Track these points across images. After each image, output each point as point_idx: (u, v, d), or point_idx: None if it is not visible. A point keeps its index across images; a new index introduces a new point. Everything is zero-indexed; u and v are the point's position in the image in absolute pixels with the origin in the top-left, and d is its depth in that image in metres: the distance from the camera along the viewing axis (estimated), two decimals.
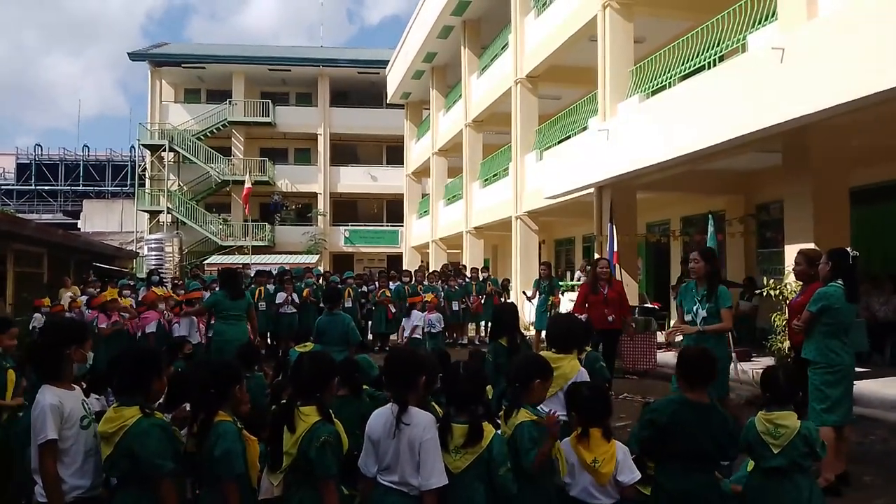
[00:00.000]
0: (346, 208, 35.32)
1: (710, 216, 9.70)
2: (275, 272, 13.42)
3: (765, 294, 8.91)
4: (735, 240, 13.22)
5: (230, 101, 32.47)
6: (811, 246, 8.36)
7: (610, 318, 8.07)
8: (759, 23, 9.06)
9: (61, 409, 3.05)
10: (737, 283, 12.24)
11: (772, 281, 8.74)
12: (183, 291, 10.94)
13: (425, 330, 11.12)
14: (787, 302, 7.04)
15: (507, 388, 3.50)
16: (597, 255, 13.26)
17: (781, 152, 9.32)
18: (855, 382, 5.17)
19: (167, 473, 2.99)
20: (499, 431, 3.26)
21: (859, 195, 9.85)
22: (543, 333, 9.31)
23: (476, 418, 3.14)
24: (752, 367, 8.64)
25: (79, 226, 38.21)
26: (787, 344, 8.07)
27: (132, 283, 13.44)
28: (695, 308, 5.66)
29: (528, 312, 13.57)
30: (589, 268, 12.69)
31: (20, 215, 28.89)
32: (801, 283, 5.91)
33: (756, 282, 11.61)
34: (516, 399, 3.41)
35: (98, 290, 11.77)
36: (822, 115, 7.14)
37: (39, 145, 46.92)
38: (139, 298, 10.77)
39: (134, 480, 3.00)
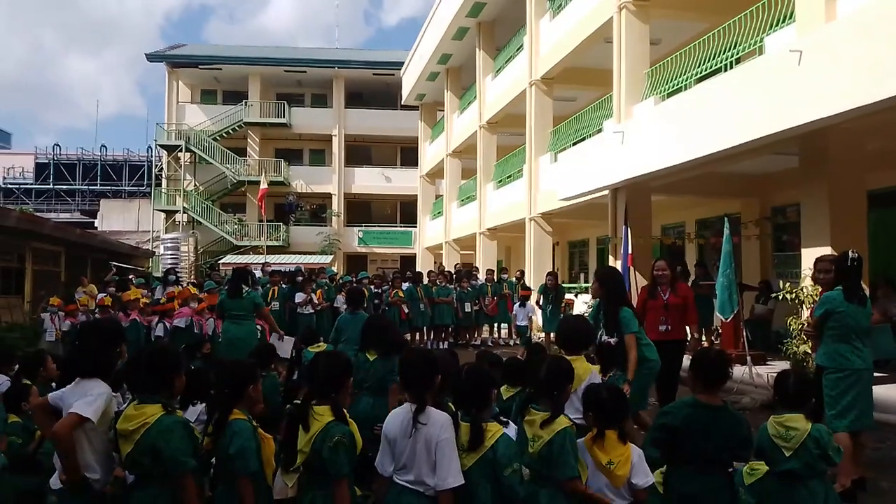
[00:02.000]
0: (360, 209, 35.42)
1: (725, 219, 9.64)
2: (293, 271, 13.49)
3: (780, 298, 8.85)
4: (751, 243, 13.13)
5: (246, 102, 32.67)
6: (828, 249, 8.31)
7: (662, 328, 6.81)
8: (777, 25, 9.01)
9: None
10: (752, 286, 12.16)
11: (787, 284, 8.68)
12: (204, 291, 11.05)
13: None
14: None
15: (537, 393, 3.45)
16: (611, 258, 13.25)
17: (798, 155, 9.25)
18: (875, 388, 5.13)
19: (190, 470, 3.03)
20: (507, 431, 3.24)
21: (877, 198, 9.78)
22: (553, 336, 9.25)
23: (477, 419, 3.15)
24: (768, 371, 8.59)
25: (96, 225, 38.56)
26: (803, 348, 8.04)
27: (143, 281, 13.56)
28: None
29: (537, 316, 13.53)
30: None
31: (38, 214, 29.21)
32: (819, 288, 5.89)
33: (772, 285, 11.52)
34: (558, 406, 3.34)
35: (115, 290, 11.90)
36: (839, 117, 7.10)
37: (58, 145, 47.46)
38: (155, 297, 10.89)
39: (153, 478, 3.03)
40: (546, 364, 3.52)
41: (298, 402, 3.50)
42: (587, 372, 4.01)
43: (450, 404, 3.59)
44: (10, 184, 45.66)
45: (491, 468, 3.08)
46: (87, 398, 3.05)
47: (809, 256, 6.48)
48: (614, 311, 5.29)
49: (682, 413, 3.41)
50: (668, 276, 6.95)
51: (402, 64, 29.88)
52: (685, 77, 10.93)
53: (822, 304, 5.03)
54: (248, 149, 32.98)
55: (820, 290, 5.86)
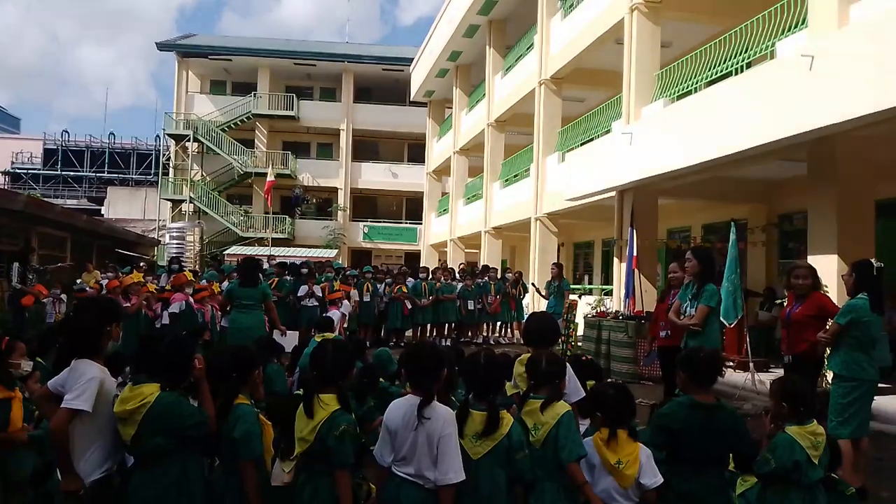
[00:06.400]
0: (366, 204, 35.44)
1: (732, 224, 9.62)
2: (298, 264, 13.48)
3: (785, 305, 8.81)
4: (756, 249, 13.08)
5: (255, 94, 32.70)
6: (834, 258, 8.29)
7: (662, 334, 6.74)
8: (789, 30, 8.97)
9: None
10: (757, 292, 12.13)
11: None
12: (204, 281, 11.09)
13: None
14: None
15: (538, 384, 3.48)
16: (616, 261, 13.23)
17: (807, 162, 9.21)
18: (875, 397, 5.12)
19: (210, 429, 3.09)
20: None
21: (885, 208, 9.72)
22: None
23: (494, 407, 3.15)
24: (770, 378, 8.56)
25: (102, 212, 38.70)
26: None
27: (144, 267, 13.59)
28: (684, 306, 6.00)
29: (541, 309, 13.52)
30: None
31: (46, 199, 29.30)
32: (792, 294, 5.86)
33: (776, 292, 11.48)
34: (555, 392, 3.43)
35: (113, 275, 11.95)
36: (850, 124, 7.07)
37: (66, 131, 47.69)
38: (161, 285, 10.93)
39: (159, 456, 3.04)
40: (546, 357, 3.57)
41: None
42: None
43: (451, 398, 3.60)
44: (19, 169, 45.87)
45: (505, 455, 3.10)
46: (77, 387, 3.00)
47: (816, 264, 6.45)
48: (701, 283, 5.79)
49: (680, 413, 3.41)
50: (681, 278, 6.84)
51: (411, 60, 29.87)
52: (695, 80, 10.89)
53: (847, 311, 5.00)
54: (256, 140, 33.00)
55: (788, 295, 5.96)
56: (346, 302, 11.37)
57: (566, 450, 3.19)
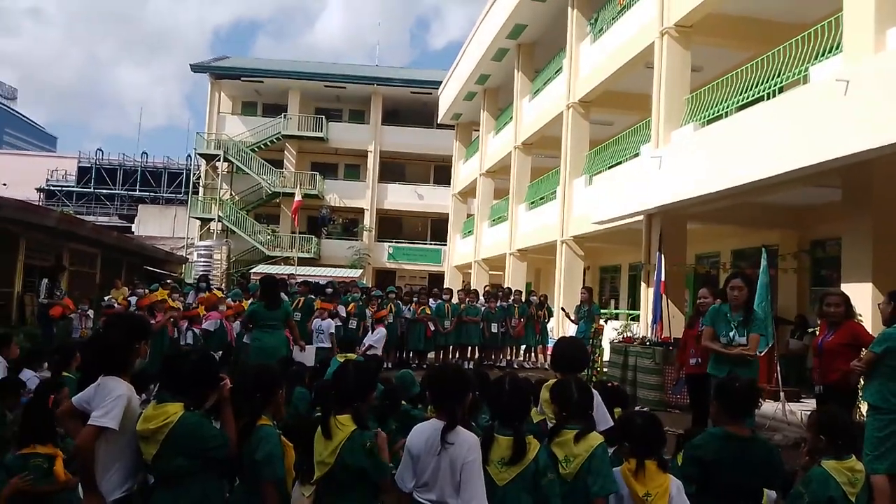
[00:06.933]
0: (392, 225, 35.58)
1: (763, 250, 9.44)
2: (322, 283, 13.53)
3: (817, 333, 8.60)
4: (787, 276, 12.84)
5: (285, 116, 33.16)
6: (868, 286, 8.08)
7: (693, 361, 6.61)
8: (823, 55, 8.86)
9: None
10: (788, 320, 11.88)
11: None
12: (229, 300, 11.17)
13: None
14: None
15: (571, 414, 3.39)
16: (643, 286, 13.07)
17: (841, 188, 9.04)
18: None
19: (230, 452, 3.06)
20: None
21: None
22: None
23: (520, 433, 3.08)
24: (801, 409, 8.34)
25: (133, 229, 39.33)
26: None
27: (176, 285, 13.73)
28: (731, 334, 5.64)
29: (569, 333, 13.37)
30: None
31: (78, 216, 29.87)
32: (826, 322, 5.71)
33: (808, 320, 11.24)
34: (591, 423, 3.33)
35: (145, 291, 12.10)
36: (886, 150, 6.92)
37: (101, 150, 48.74)
38: (188, 302, 11.02)
39: (181, 477, 3.01)
40: (575, 385, 3.46)
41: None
42: None
43: (472, 424, 3.53)
44: (53, 186, 46.95)
45: (532, 481, 3.02)
46: (104, 405, 2.98)
47: (850, 292, 6.28)
48: (751, 308, 5.66)
49: (713, 445, 3.30)
50: (711, 303, 6.67)
51: (439, 83, 30.11)
52: (726, 104, 10.79)
53: (883, 340, 4.87)
54: (285, 161, 33.41)
55: (821, 323, 5.86)
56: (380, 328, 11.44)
57: (597, 484, 3.09)
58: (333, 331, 10.56)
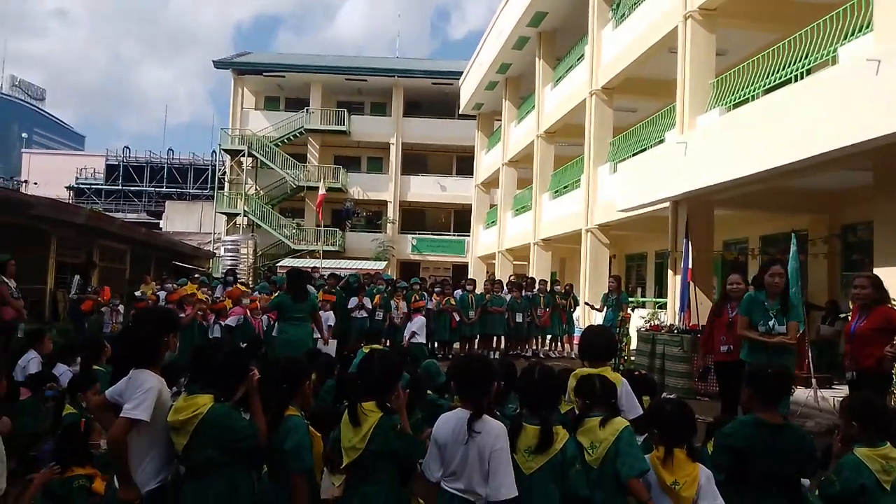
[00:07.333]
0: (415, 217, 35.63)
1: (793, 235, 9.27)
2: (345, 276, 13.66)
3: (849, 318, 8.45)
4: (818, 261, 12.63)
5: (307, 110, 33.30)
6: None
7: (724, 349, 6.48)
8: (852, 34, 8.66)
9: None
10: (819, 305, 11.69)
11: None
12: (256, 293, 11.29)
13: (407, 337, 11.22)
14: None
15: (594, 403, 3.38)
16: (670, 273, 12.94)
17: (872, 170, 8.85)
18: None
19: (259, 443, 3.09)
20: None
21: None
22: None
23: (548, 422, 3.08)
24: (833, 395, 8.22)
25: (161, 225, 39.90)
26: None
27: (205, 280, 13.91)
28: (770, 323, 5.55)
29: (596, 322, 13.29)
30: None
31: (107, 213, 30.34)
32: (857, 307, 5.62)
33: (839, 306, 11.05)
34: (615, 410, 3.33)
35: (174, 286, 12.28)
36: None
37: (128, 147, 49.48)
38: (215, 296, 11.16)
39: (211, 468, 3.05)
40: (597, 377, 3.46)
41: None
42: (618, 381, 3.89)
43: (498, 413, 3.53)
44: (82, 184, 47.81)
45: (560, 470, 3.03)
46: (136, 397, 3.02)
47: (882, 276, 6.15)
48: (787, 295, 5.65)
49: (745, 433, 3.26)
50: (743, 290, 6.56)
51: (460, 73, 30.00)
52: (752, 87, 10.60)
53: None
54: (309, 155, 33.58)
55: (853, 308, 5.77)
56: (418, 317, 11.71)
57: (627, 465, 3.06)
58: (332, 323, 10.98)
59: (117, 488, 3.04)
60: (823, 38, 9.12)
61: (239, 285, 10.97)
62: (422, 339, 11.26)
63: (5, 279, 8.69)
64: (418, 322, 11.36)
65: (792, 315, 5.62)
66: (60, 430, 4.48)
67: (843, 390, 8.31)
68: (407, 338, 11.05)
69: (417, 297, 13.10)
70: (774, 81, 10.09)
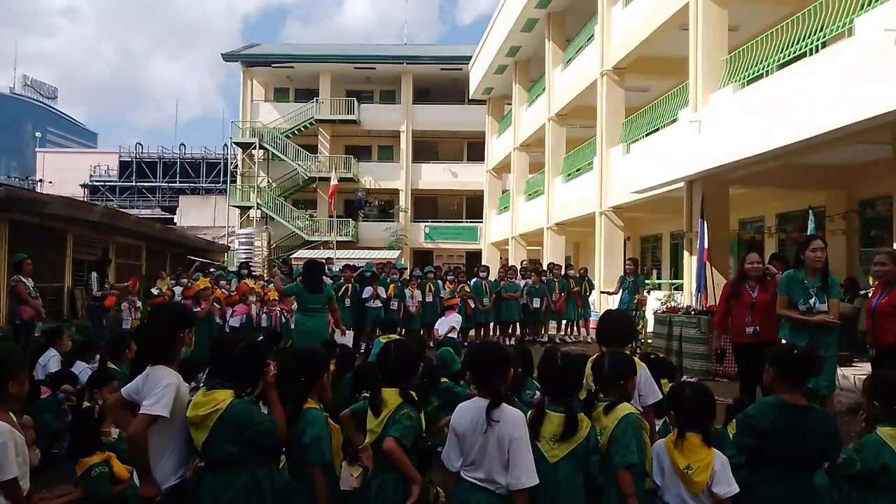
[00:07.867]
0: (427, 204, 35.57)
1: (810, 211, 9.15)
2: (360, 266, 13.69)
3: (868, 295, 8.34)
4: (836, 237, 12.43)
5: (317, 100, 33.26)
6: None
7: (749, 330, 6.17)
8: (869, 5, 8.47)
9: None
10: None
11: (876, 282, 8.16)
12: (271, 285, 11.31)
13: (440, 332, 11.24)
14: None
15: (603, 387, 3.36)
16: (686, 254, 12.83)
17: (891, 144, 8.70)
18: None
19: (279, 437, 3.09)
20: None
21: None
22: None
23: (572, 409, 3.05)
24: (854, 373, 8.11)
25: (175, 220, 40.12)
26: None
27: (222, 273, 13.97)
28: (811, 301, 5.47)
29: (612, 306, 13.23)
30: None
31: (122, 210, 30.54)
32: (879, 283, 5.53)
33: (858, 283, 10.90)
34: (622, 393, 3.31)
35: (189, 281, 12.34)
36: None
37: (140, 144, 49.79)
38: (231, 289, 11.20)
39: (231, 463, 3.04)
40: (608, 358, 3.43)
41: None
42: (637, 366, 3.85)
43: (516, 400, 3.52)
44: (96, 181, 48.23)
45: (584, 458, 3.01)
46: (154, 393, 3.02)
47: None
48: (827, 272, 5.52)
49: (769, 414, 3.20)
50: (761, 269, 6.36)
51: (469, 58, 29.79)
52: (766, 63, 10.42)
53: None
54: (319, 146, 33.58)
55: (875, 285, 5.69)
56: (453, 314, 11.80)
57: (618, 454, 3.06)
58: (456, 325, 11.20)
59: (137, 485, 3.05)
60: (838, 10, 8.92)
61: (248, 280, 10.97)
62: (456, 334, 11.29)
63: (23, 278, 8.77)
64: (453, 319, 11.45)
65: (832, 293, 5.52)
66: (73, 418, 4.52)
67: (863, 368, 8.21)
68: (442, 336, 10.94)
69: (416, 287, 13.29)
70: (789, 56, 9.92)
